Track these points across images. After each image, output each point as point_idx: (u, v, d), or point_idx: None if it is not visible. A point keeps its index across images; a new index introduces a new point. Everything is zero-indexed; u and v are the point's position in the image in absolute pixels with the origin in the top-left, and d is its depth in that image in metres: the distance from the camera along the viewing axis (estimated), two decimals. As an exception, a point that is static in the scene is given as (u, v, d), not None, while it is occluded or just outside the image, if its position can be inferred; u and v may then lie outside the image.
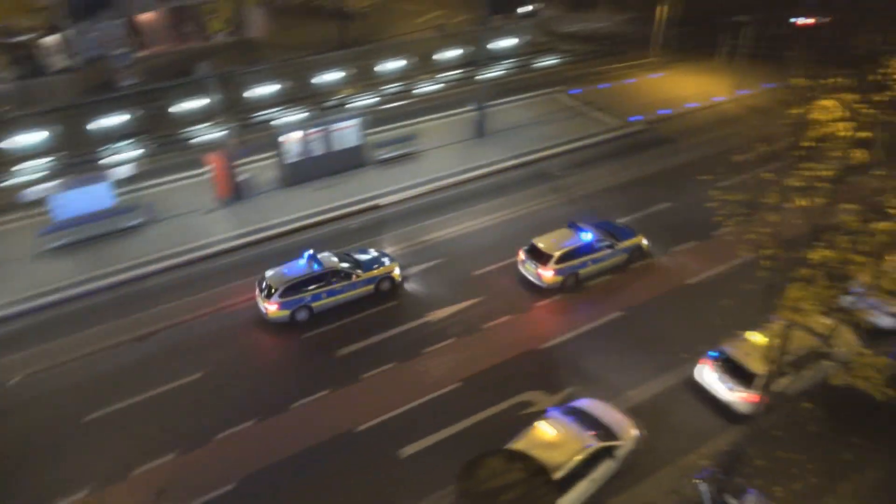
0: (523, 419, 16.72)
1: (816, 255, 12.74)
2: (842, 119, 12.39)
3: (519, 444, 14.85)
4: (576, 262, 21.38)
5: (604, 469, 15.06)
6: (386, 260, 22.03)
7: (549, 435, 15.05)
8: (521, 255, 22.06)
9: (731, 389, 16.94)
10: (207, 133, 31.93)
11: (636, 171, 29.05)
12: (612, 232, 22.68)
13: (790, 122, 12.73)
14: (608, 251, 21.96)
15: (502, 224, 25.55)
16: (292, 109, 34.31)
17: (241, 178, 27.08)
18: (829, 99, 12.51)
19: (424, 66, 39.66)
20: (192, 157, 29.68)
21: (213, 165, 26.55)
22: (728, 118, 33.24)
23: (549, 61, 41.73)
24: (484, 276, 22.54)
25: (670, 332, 19.84)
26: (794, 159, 12.86)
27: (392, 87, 37.35)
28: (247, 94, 33.31)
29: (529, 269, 21.68)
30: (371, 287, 21.38)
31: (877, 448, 16.03)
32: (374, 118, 32.31)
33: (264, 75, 34.25)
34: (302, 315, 20.59)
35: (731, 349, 17.37)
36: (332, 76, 35.83)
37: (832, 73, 12.53)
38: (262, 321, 20.55)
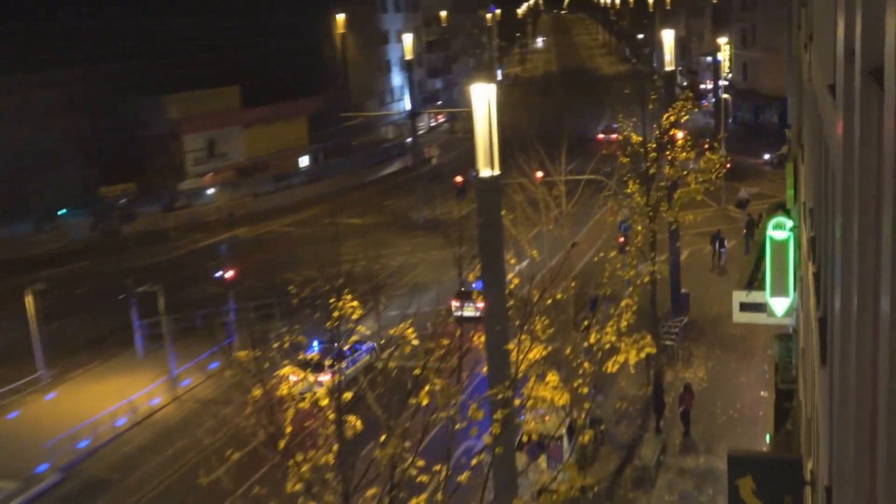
0: None
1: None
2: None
3: None
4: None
5: None
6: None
7: None
8: (455, 302, 30.26)
9: None
10: None
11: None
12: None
13: (255, 409, 10.82)
14: None
15: None
16: None
17: None
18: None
19: None
20: None
21: None
22: (181, 426, 26.85)
23: None
24: None
25: None
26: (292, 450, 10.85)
27: None
28: None
29: (470, 309, 27.35)
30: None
31: None
32: None
33: None
34: None
35: None
36: None
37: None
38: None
